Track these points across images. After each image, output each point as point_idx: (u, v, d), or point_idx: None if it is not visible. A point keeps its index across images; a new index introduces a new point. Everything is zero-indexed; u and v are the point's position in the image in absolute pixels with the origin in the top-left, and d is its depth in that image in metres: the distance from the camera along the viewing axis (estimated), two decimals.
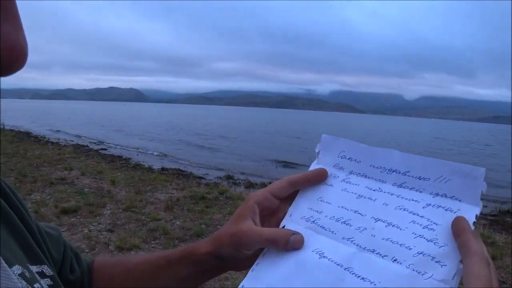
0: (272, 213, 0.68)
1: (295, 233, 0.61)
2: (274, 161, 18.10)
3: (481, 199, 0.54)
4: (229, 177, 12.47)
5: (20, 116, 46.48)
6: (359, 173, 0.66)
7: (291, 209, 0.68)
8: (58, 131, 27.51)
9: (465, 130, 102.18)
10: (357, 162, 0.67)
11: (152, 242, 5.65)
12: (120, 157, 15.24)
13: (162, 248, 5.40)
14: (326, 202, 0.66)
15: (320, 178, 0.68)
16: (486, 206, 10.14)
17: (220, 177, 12.53)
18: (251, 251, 0.64)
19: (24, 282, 0.49)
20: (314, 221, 0.64)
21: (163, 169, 12.77)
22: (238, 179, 12.34)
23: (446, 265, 0.51)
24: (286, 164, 17.38)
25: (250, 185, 11.29)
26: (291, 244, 0.60)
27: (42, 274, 0.56)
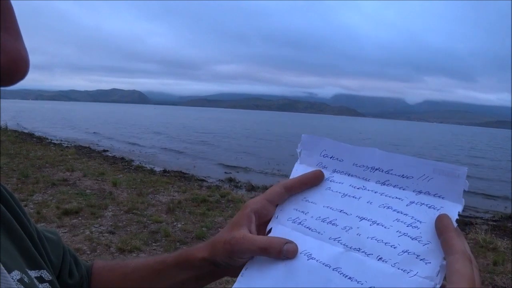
0: (270, 219, 0.68)
1: (288, 242, 0.61)
2: (275, 164, 18.09)
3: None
4: (230, 180, 12.47)
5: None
6: (343, 172, 0.66)
7: (277, 211, 0.68)
8: None
9: (469, 135, 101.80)
10: (340, 160, 0.67)
11: (153, 244, 5.65)
12: (122, 159, 15.26)
13: (163, 251, 5.40)
14: (312, 202, 0.66)
15: (316, 181, 0.67)
16: (487, 212, 10.12)
17: (221, 180, 12.53)
18: (245, 258, 0.63)
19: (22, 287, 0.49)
20: (300, 222, 0.64)
21: (165, 171, 12.78)
22: (239, 182, 12.33)
23: (430, 263, 0.51)
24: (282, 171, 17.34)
25: (251, 188, 11.28)
26: (283, 253, 0.60)
27: (41, 279, 0.56)
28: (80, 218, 6.43)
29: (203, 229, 6.32)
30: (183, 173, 12.85)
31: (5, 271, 0.46)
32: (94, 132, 31.04)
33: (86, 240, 5.49)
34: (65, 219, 6.31)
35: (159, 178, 10.53)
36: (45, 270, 0.58)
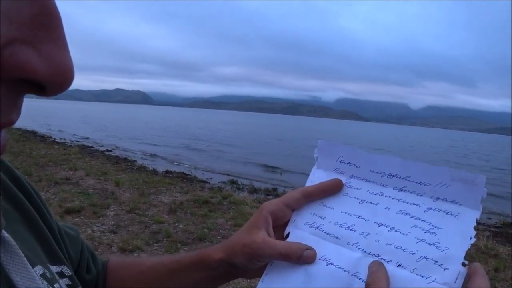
0: (284, 224, 0.69)
1: (308, 248, 0.62)
2: (277, 168, 18.07)
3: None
4: (233, 182, 12.46)
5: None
6: (360, 177, 0.66)
7: (294, 215, 0.68)
8: None
9: (473, 141, 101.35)
10: (357, 167, 0.67)
11: (155, 244, 5.66)
12: (125, 159, 15.27)
13: (165, 251, 5.41)
14: (329, 207, 0.66)
15: (335, 189, 0.67)
16: (490, 218, 10.08)
17: (224, 182, 12.52)
18: (264, 262, 0.64)
19: (45, 283, 0.50)
20: (318, 227, 0.65)
21: (167, 172, 12.79)
22: (242, 184, 12.33)
23: (448, 269, 0.52)
24: (289, 172, 17.29)
25: (253, 191, 11.27)
26: (303, 259, 0.61)
27: (62, 274, 0.57)
28: (82, 217, 6.44)
29: (204, 230, 6.33)
30: (186, 174, 12.87)
31: (30, 266, 0.47)
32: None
33: (88, 239, 5.50)
34: (67, 217, 6.32)
35: (161, 179, 10.54)
36: (65, 266, 0.59)
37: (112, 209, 7.05)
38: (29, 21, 0.28)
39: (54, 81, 0.31)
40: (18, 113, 0.32)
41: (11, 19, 0.27)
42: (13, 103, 0.31)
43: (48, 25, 0.30)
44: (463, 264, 0.52)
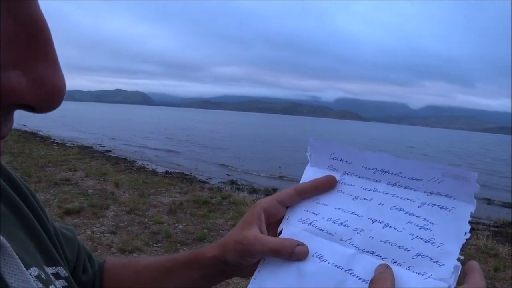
0: (278, 221, 0.68)
1: (300, 244, 0.61)
2: (278, 167, 18.07)
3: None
4: (232, 182, 12.47)
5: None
6: (353, 173, 0.66)
7: (287, 212, 0.68)
8: None
9: (473, 141, 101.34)
10: (349, 163, 0.67)
11: (154, 245, 5.66)
12: (124, 159, 15.27)
13: (164, 252, 5.41)
14: (323, 204, 0.66)
15: (329, 186, 0.67)
16: (489, 218, 10.09)
17: (223, 182, 12.54)
18: (257, 259, 0.64)
19: (40, 284, 0.49)
20: (311, 223, 0.64)
21: (167, 172, 12.80)
22: (241, 184, 12.35)
23: (444, 264, 0.52)
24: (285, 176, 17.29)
25: (253, 191, 11.28)
26: (295, 255, 0.60)
27: (57, 276, 0.57)
28: (81, 218, 6.44)
29: (204, 230, 6.33)
30: (185, 174, 12.86)
31: (24, 268, 0.47)
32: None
33: (88, 240, 5.51)
34: (67, 218, 6.32)
35: (161, 179, 10.55)
36: (61, 267, 0.59)
37: (111, 210, 7.05)
38: (17, 43, 0.28)
39: (43, 103, 0.31)
40: (8, 127, 0.32)
41: None
42: (4, 120, 0.31)
43: (37, 44, 0.29)
44: (458, 259, 0.51)
